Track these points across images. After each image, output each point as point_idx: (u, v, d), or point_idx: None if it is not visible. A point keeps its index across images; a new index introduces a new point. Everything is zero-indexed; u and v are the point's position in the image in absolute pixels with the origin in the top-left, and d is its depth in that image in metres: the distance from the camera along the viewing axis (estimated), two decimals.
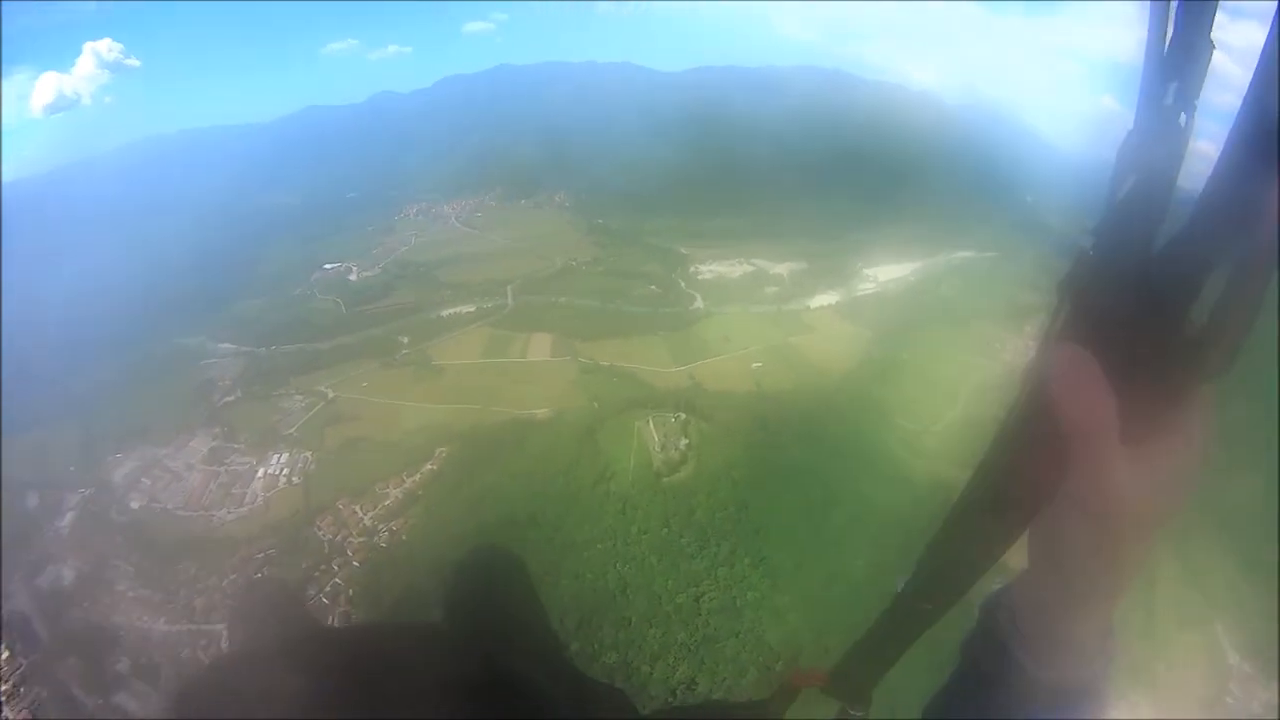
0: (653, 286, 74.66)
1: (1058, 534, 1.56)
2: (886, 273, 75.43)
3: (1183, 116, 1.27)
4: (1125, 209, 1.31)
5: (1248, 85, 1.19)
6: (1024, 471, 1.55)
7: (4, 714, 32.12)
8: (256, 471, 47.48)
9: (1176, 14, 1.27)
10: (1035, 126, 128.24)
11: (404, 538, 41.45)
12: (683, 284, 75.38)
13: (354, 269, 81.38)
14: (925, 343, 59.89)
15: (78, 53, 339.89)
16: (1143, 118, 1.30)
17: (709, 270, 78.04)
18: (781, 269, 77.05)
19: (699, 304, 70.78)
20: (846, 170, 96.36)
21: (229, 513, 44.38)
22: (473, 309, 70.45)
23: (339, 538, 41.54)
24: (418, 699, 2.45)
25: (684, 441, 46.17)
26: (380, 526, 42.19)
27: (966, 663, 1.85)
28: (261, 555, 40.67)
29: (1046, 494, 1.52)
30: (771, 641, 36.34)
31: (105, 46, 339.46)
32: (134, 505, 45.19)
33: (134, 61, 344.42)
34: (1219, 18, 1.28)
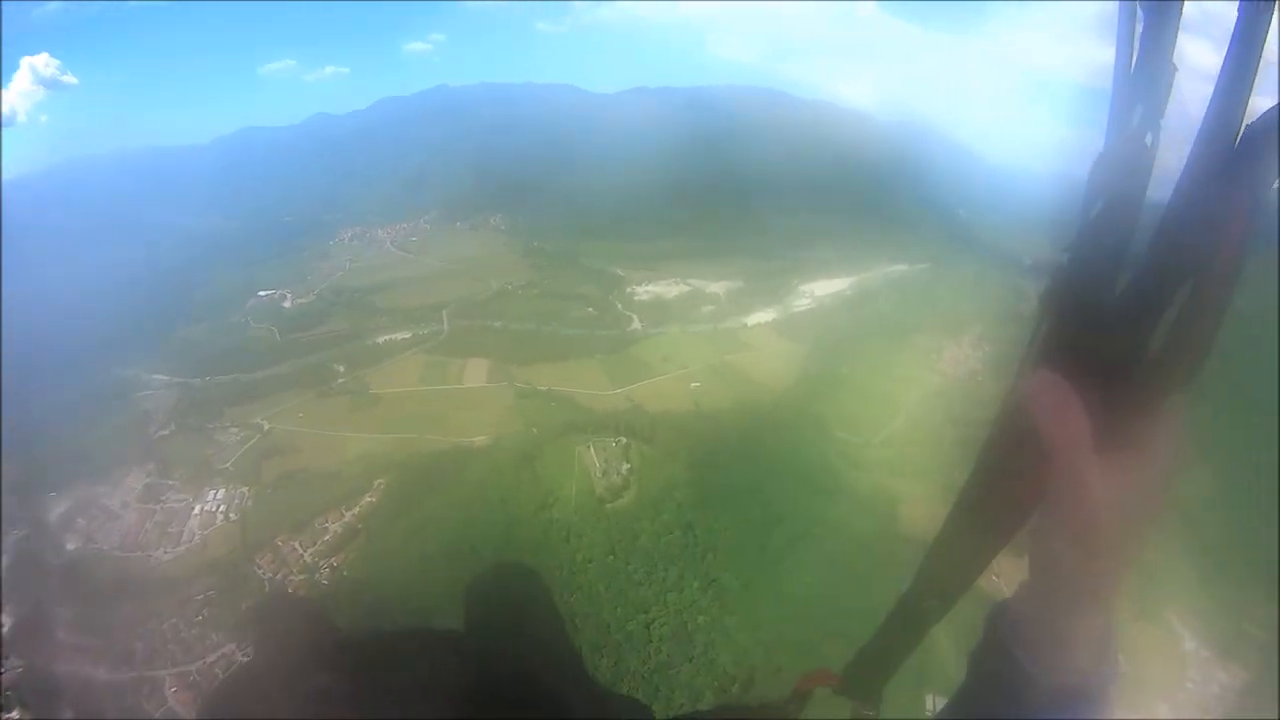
0: (589, 309, 74.86)
1: (1049, 546, 1.64)
2: (823, 288, 76.66)
3: (1149, 136, 1.38)
4: (1098, 225, 1.41)
5: (1207, 106, 1.31)
6: (1010, 481, 1.63)
7: None
8: (193, 508, 46.93)
9: (1140, 40, 1.38)
10: (967, 141, 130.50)
11: (345, 573, 41.30)
12: (619, 306, 75.63)
13: (289, 295, 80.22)
14: (863, 356, 60.86)
15: (15, 67, 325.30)
16: (1112, 139, 1.40)
17: (645, 291, 78.48)
18: (718, 288, 77.86)
19: (636, 325, 71.21)
20: (782, 189, 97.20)
21: (166, 552, 43.81)
22: (409, 335, 70.14)
23: (279, 576, 41.40)
24: None
25: (625, 466, 46.63)
26: (321, 563, 42.10)
27: (974, 671, 1.93)
28: (201, 596, 40.31)
29: (1033, 500, 1.62)
30: (725, 664, 36.70)
31: (43, 62, 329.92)
32: (70, 546, 44.42)
33: (71, 79, 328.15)
34: (1180, 41, 1.41)
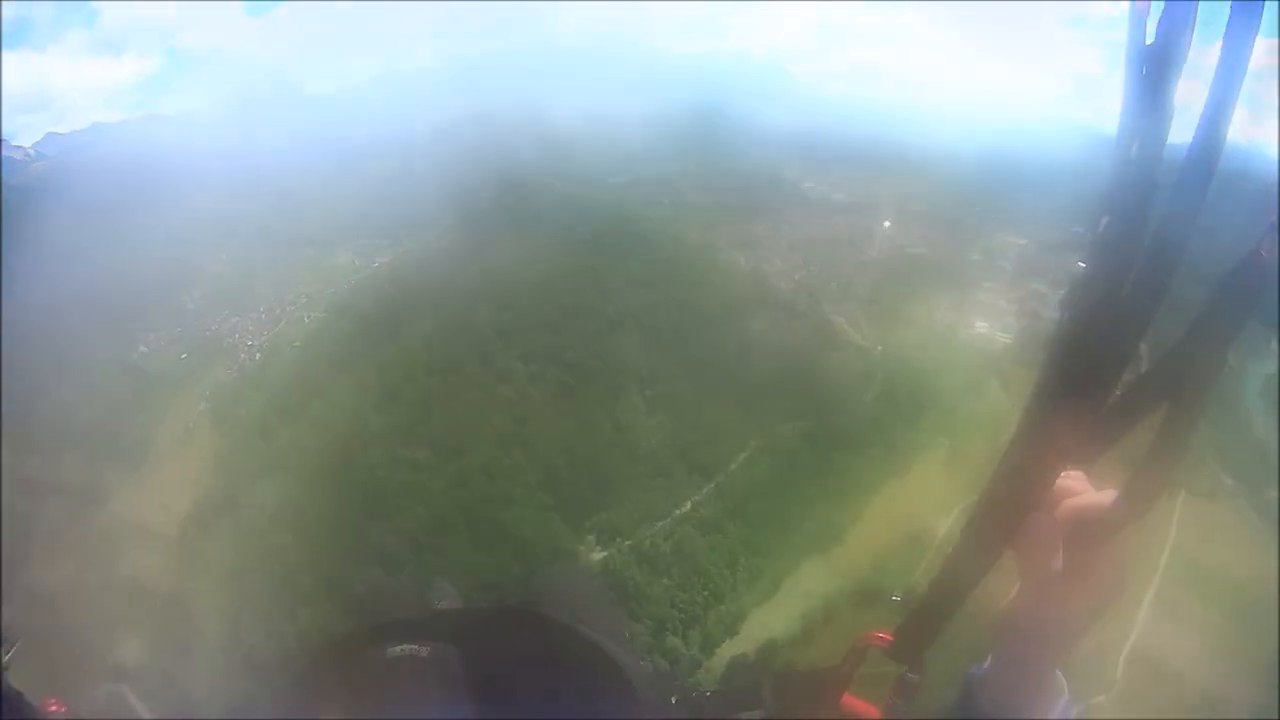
0: None
1: (1017, 628, 1.87)
2: None
3: (1156, 167, 1.48)
4: (1105, 243, 1.51)
5: (1193, 136, 1.40)
6: (1042, 449, 1.72)
7: None
8: None
9: (1140, 75, 1.47)
10: None
11: None
12: None
13: None
14: None
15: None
16: (1118, 165, 1.49)
17: None
18: None
19: None
20: None
21: None
22: None
23: None
24: None
25: None
26: None
27: None
28: None
29: (1063, 466, 1.75)
30: None
31: None
32: None
33: None
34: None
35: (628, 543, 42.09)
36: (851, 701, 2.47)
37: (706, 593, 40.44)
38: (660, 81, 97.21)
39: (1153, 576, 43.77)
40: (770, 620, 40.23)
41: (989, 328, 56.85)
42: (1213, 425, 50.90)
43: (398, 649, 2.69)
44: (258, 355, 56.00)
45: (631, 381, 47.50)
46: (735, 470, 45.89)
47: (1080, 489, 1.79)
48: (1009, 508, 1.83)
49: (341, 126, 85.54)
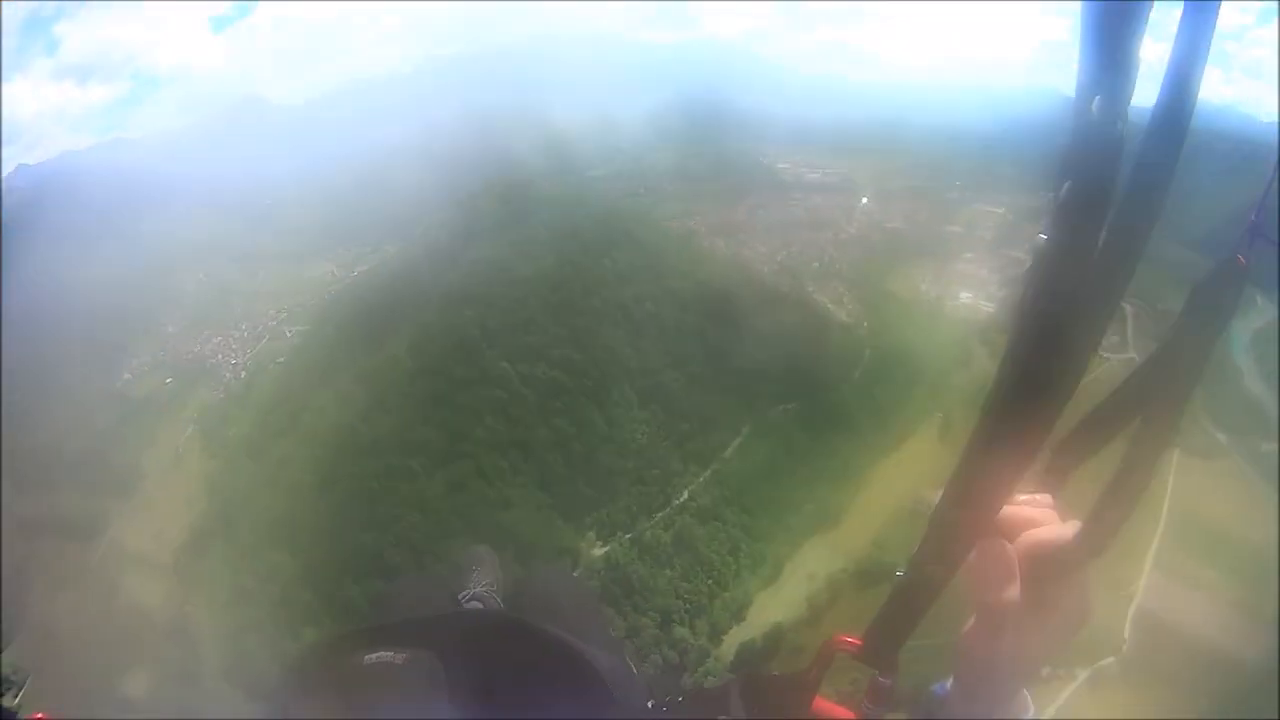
0: None
1: (974, 657, 1.79)
2: None
3: (1119, 124, 1.31)
4: (1067, 210, 1.34)
5: (1159, 93, 1.32)
6: (1005, 445, 1.56)
7: None
8: None
9: (1104, 27, 1.31)
10: None
11: None
12: None
13: None
14: None
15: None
16: (1079, 125, 1.32)
17: None
18: None
19: None
20: None
21: None
22: None
23: None
24: None
25: None
26: None
27: None
28: None
29: (1029, 462, 1.58)
30: None
31: None
32: None
33: None
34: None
35: (628, 536, 42.18)
36: (825, 705, 2.37)
37: (710, 581, 40.59)
38: (632, 73, 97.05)
39: (1153, 537, 44.27)
40: (776, 604, 40.42)
41: (973, 297, 57.17)
42: (1205, 388, 51.11)
43: (373, 656, 2.58)
44: (242, 374, 55.56)
45: (620, 374, 47.42)
46: (730, 457, 46.14)
47: (1043, 518, 1.67)
48: (956, 533, 1.70)
49: (311, 137, 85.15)
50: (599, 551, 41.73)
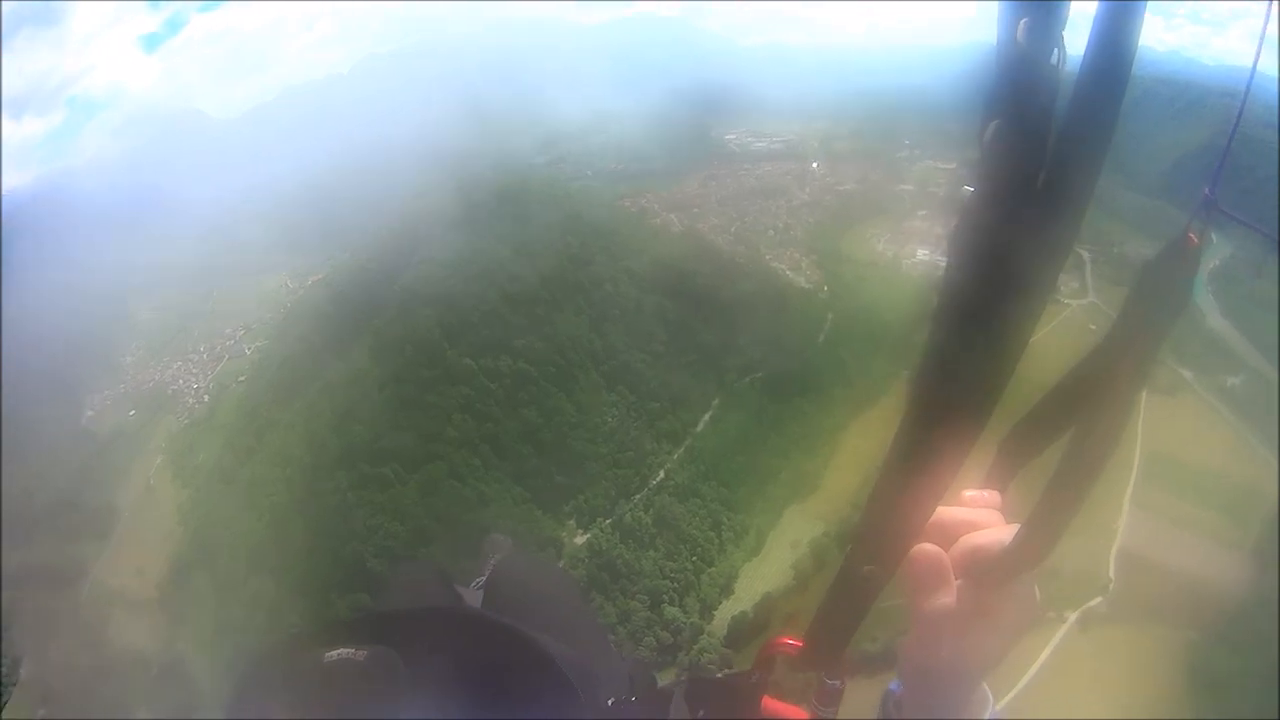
0: None
1: (918, 661, 1.76)
2: None
3: (1056, 53, 1.18)
4: (993, 155, 1.21)
5: (1095, 19, 1.15)
6: (937, 434, 1.46)
7: None
8: None
9: None
10: None
11: None
12: None
13: None
14: None
15: None
16: (1003, 54, 1.18)
17: None
18: None
19: None
20: None
21: None
22: None
23: None
24: None
25: None
26: None
27: None
28: None
29: (964, 451, 1.48)
30: None
31: None
32: None
33: None
34: None
35: (608, 521, 42.06)
36: (775, 705, 2.33)
37: (695, 558, 40.60)
38: (573, 56, 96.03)
39: (1128, 477, 44.92)
40: (762, 575, 40.70)
41: (930, 253, 57.39)
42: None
43: (334, 653, 2.57)
44: (205, 397, 54.67)
45: (585, 360, 47.09)
46: (702, 432, 46.12)
47: (984, 520, 1.60)
48: (889, 534, 1.62)
49: (254, 147, 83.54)
50: (581, 540, 41.58)
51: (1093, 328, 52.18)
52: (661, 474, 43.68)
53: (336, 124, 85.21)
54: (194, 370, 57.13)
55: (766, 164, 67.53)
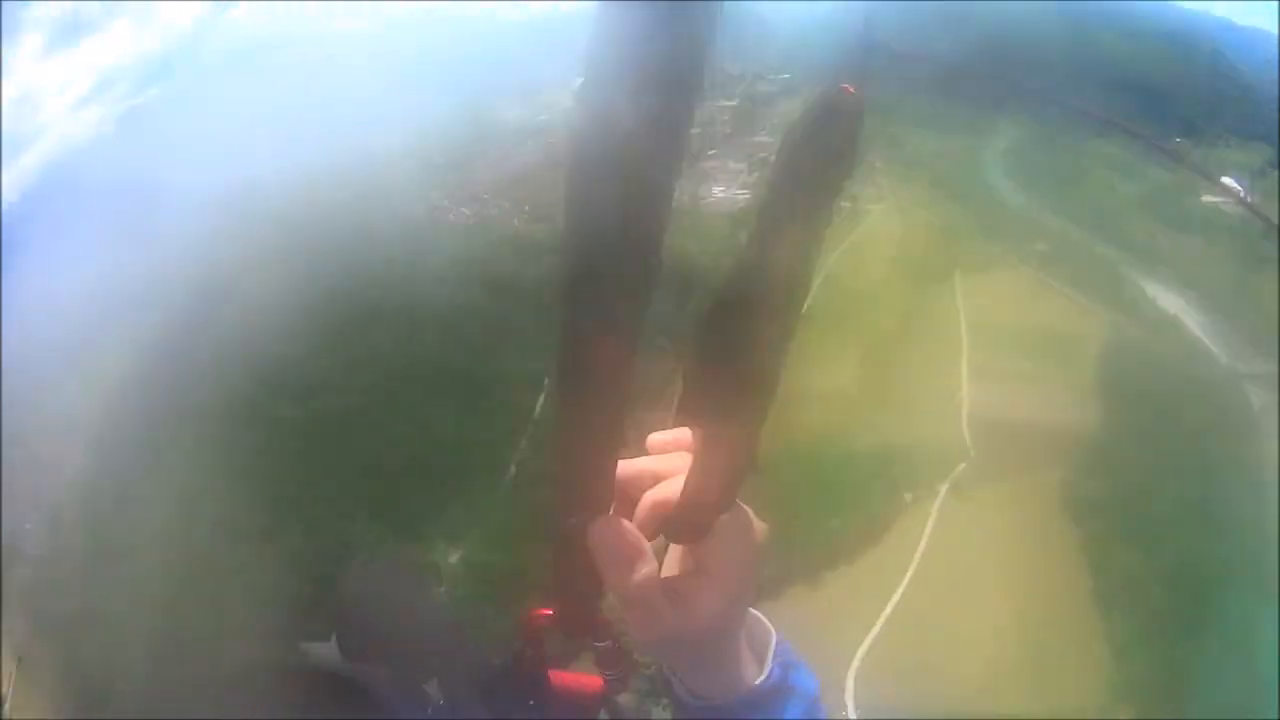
0: None
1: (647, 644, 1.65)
2: None
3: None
4: (588, 108, 1.05)
5: None
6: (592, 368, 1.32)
7: None
8: None
9: None
10: None
11: None
12: None
13: None
14: None
15: None
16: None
17: None
18: None
19: None
20: None
21: None
22: None
23: None
24: None
25: None
26: None
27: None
28: None
29: (619, 385, 1.30)
30: None
31: None
32: None
33: None
34: None
35: (475, 530, 41.25)
36: (566, 677, 2.32)
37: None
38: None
39: (960, 351, 46.97)
40: None
41: (726, 189, 58.81)
42: (968, 210, 55.11)
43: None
44: None
45: (406, 375, 47.20)
46: (539, 415, 44.10)
47: (669, 469, 1.46)
48: (580, 486, 1.44)
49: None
50: (455, 558, 40.38)
51: (894, 225, 54.59)
52: (513, 467, 42.94)
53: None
54: None
55: (529, 139, 66.42)
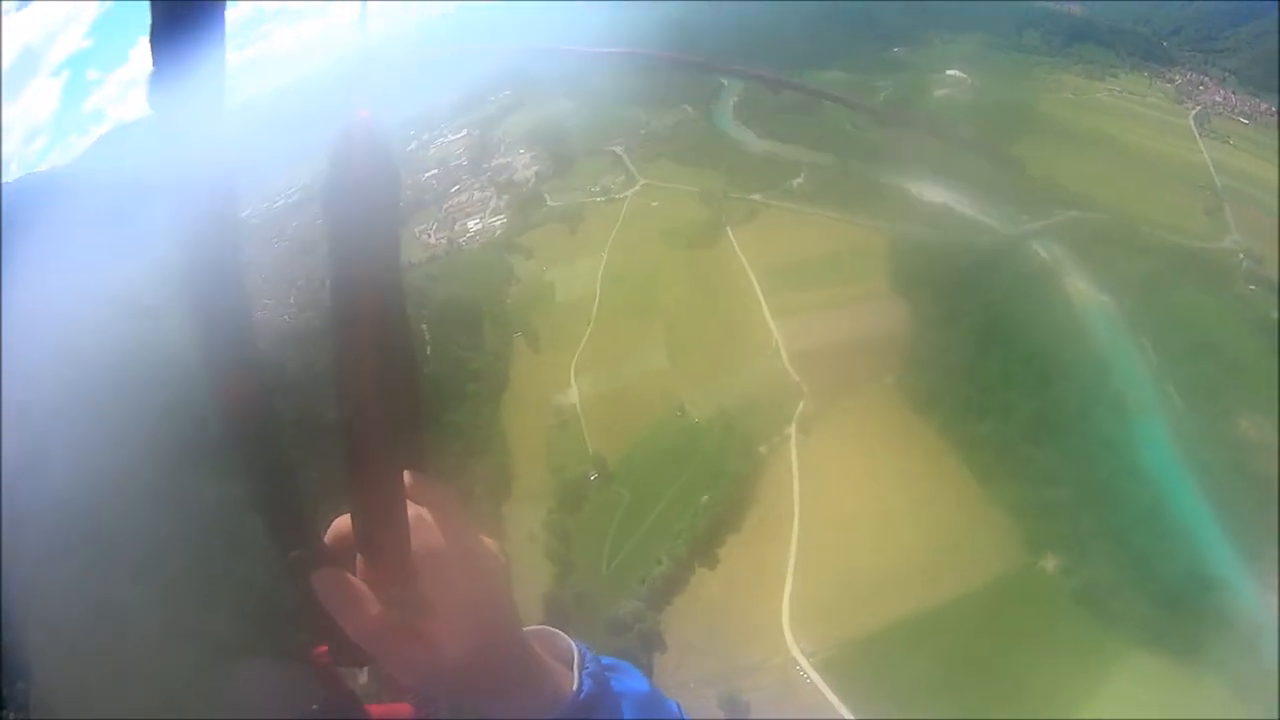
0: None
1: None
2: None
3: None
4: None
5: None
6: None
7: None
8: None
9: None
10: None
11: None
12: None
13: None
14: None
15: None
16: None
17: None
18: None
19: None
20: None
21: None
22: None
23: None
24: None
25: None
26: None
27: None
28: None
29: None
30: None
31: None
32: None
33: None
34: None
35: None
36: (378, 709, 2.19)
37: None
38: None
39: (756, 298, 48.87)
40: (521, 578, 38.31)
41: (480, 219, 58.48)
42: (710, 164, 56.02)
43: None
44: None
45: None
46: None
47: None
48: (289, 522, 1.54)
49: None
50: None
51: (654, 204, 54.66)
52: None
53: None
54: None
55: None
